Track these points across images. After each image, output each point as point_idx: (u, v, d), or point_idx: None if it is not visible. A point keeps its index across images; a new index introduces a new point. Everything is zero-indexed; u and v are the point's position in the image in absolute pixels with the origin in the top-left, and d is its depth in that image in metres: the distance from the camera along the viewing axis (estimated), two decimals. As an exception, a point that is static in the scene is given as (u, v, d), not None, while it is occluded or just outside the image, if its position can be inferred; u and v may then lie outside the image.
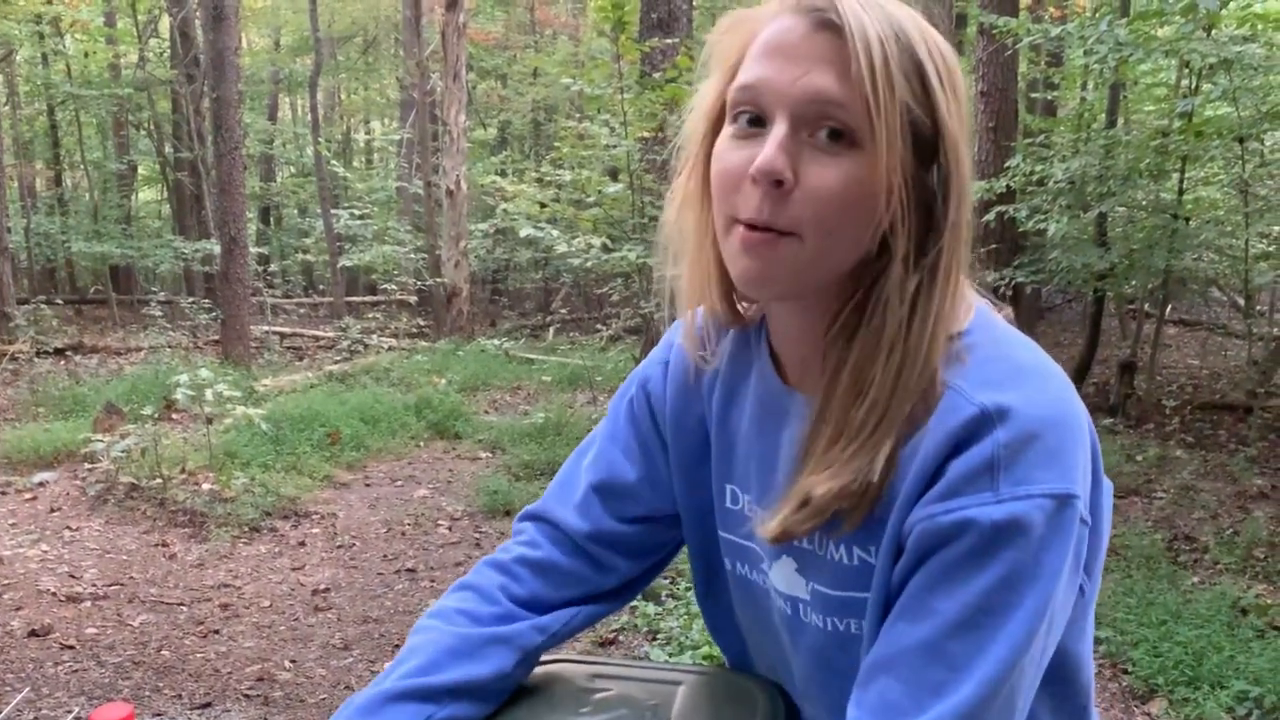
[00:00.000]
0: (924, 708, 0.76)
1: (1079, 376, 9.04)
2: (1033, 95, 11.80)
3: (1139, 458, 6.47)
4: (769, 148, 0.78)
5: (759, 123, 0.80)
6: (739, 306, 0.96)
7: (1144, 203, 7.96)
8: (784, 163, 0.77)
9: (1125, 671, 3.59)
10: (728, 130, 0.83)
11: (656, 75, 7.22)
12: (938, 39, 0.82)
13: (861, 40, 0.76)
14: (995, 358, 0.82)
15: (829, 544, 0.87)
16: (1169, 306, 9.66)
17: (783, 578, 0.93)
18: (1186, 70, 7.20)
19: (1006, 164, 8.01)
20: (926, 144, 0.80)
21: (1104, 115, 9.00)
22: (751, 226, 0.80)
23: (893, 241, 0.80)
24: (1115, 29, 5.95)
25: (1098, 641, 3.81)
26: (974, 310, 0.86)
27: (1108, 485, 0.88)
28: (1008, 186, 7.78)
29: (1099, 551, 0.87)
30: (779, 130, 0.78)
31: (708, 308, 0.96)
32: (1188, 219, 7.54)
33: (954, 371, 0.81)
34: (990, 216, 8.04)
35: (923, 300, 0.80)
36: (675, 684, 1.01)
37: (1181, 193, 7.32)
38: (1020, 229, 8.34)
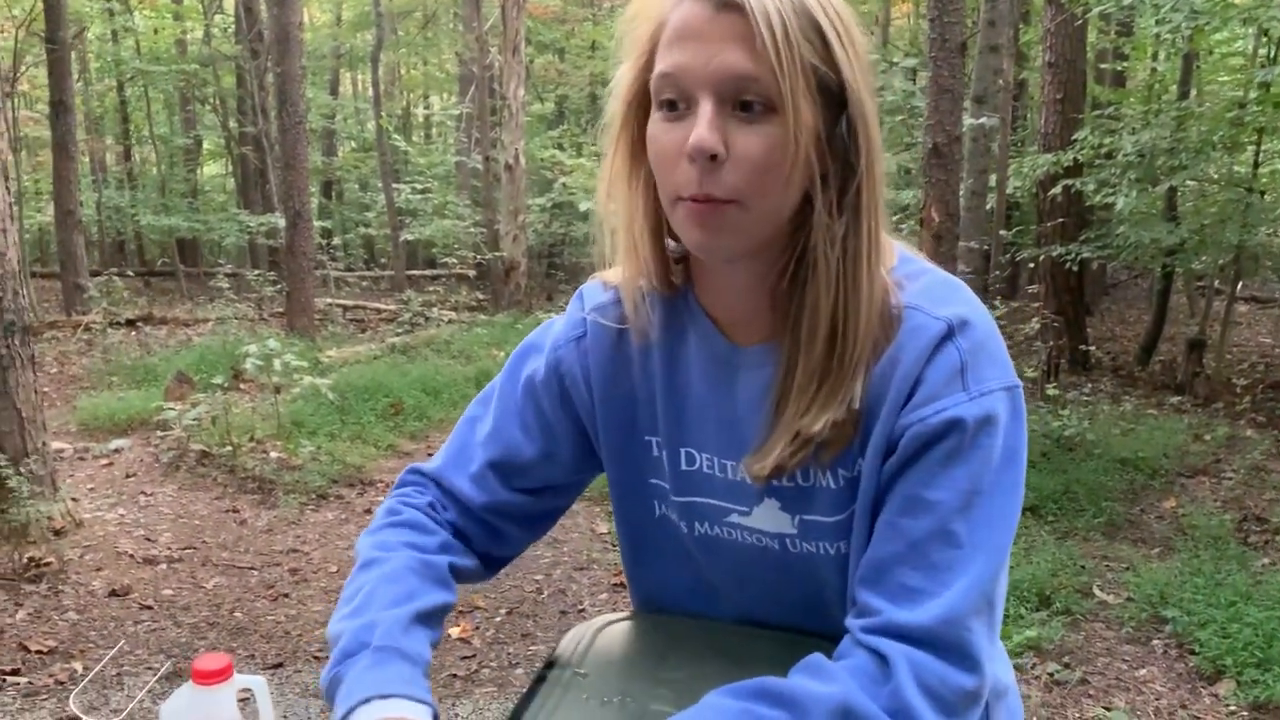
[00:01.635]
0: (945, 584, 0.86)
1: (1145, 354, 8.88)
2: (1101, 66, 11.53)
3: (1207, 437, 6.34)
4: (700, 127, 0.84)
5: (685, 104, 0.87)
6: (673, 278, 1.01)
7: (1216, 176, 7.77)
8: (715, 139, 0.84)
9: (1192, 652, 3.55)
10: (656, 115, 0.89)
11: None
12: None
13: (762, 16, 0.83)
14: (932, 282, 0.94)
15: (815, 474, 0.95)
16: (1240, 283, 9.42)
17: (768, 518, 1.00)
18: (1265, 38, 7.00)
19: (1074, 136, 7.85)
20: (834, 99, 0.88)
21: (1176, 86, 8.78)
22: (697, 201, 0.86)
23: (815, 191, 0.88)
24: (1191, -3, 5.80)
25: (1164, 621, 3.77)
26: (895, 248, 0.96)
27: (1024, 417, 0.96)
28: (1075, 160, 7.64)
29: None
30: (705, 109, 0.85)
31: (642, 279, 1.01)
32: (1263, 193, 7.35)
33: (908, 295, 0.91)
34: (1057, 190, 7.91)
35: (851, 240, 0.89)
36: (754, 641, 1.04)
37: (1257, 166, 7.13)
38: (1087, 203, 8.18)
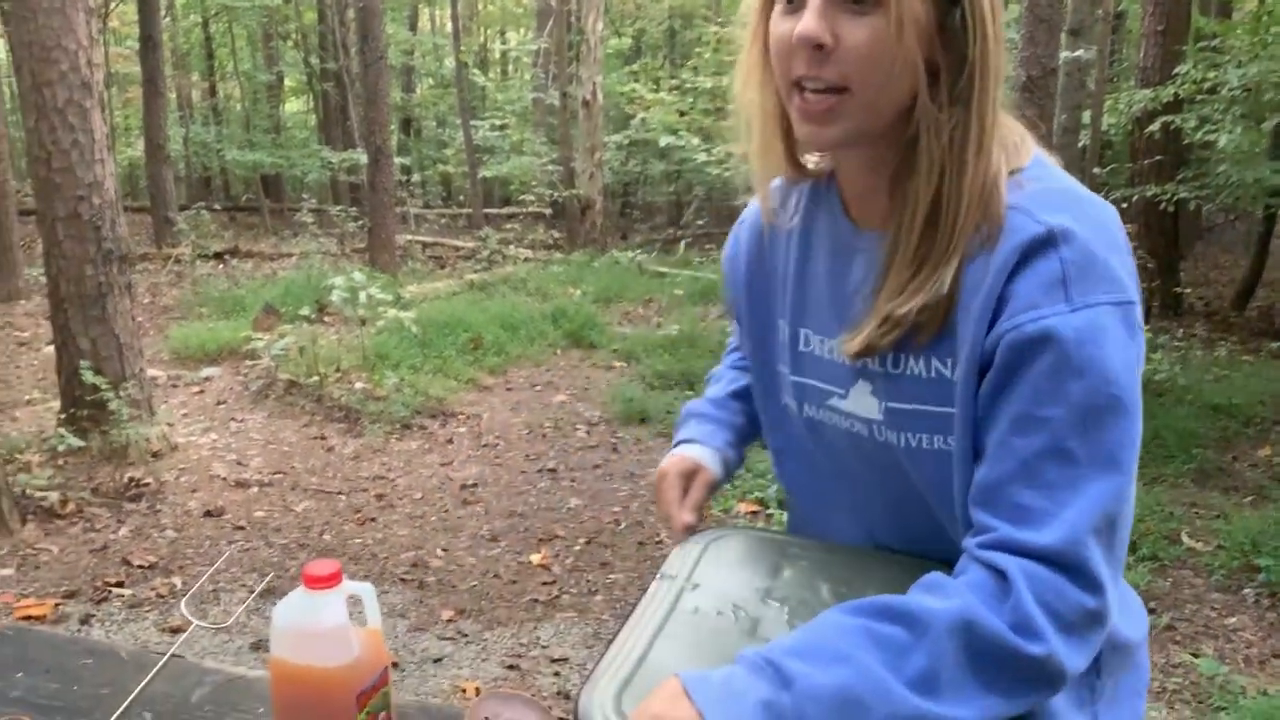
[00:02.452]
0: (1063, 503, 0.84)
1: (1242, 299, 8.57)
2: (1206, -3, 11.00)
3: (1307, 385, 6.12)
4: (806, 17, 0.89)
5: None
6: (805, 162, 1.07)
7: (1329, 113, 7.39)
8: (821, 27, 0.88)
9: (1286, 600, 3.47)
10: (777, 7, 0.94)
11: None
12: None
13: None
14: (1054, 188, 0.91)
15: (907, 360, 0.96)
16: (1348, 227, 8.99)
17: (859, 402, 1.02)
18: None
19: (1175, 70, 7.53)
20: None
21: (1287, 17, 8.32)
22: (805, 88, 0.91)
23: (920, 83, 0.90)
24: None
25: (1256, 570, 3.69)
26: (1033, 152, 0.96)
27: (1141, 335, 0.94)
28: (1175, 95, 7.33)
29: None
30: (814, 1, 0.89)
31: (777, 167, 1.06)
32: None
33: (1017, 197, 0.90)
34: (1154, 127, 7.61)
35: (960, 132, 0.91)
36: (866, 560, 1.03)
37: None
38: (1186, 141, 7.86)
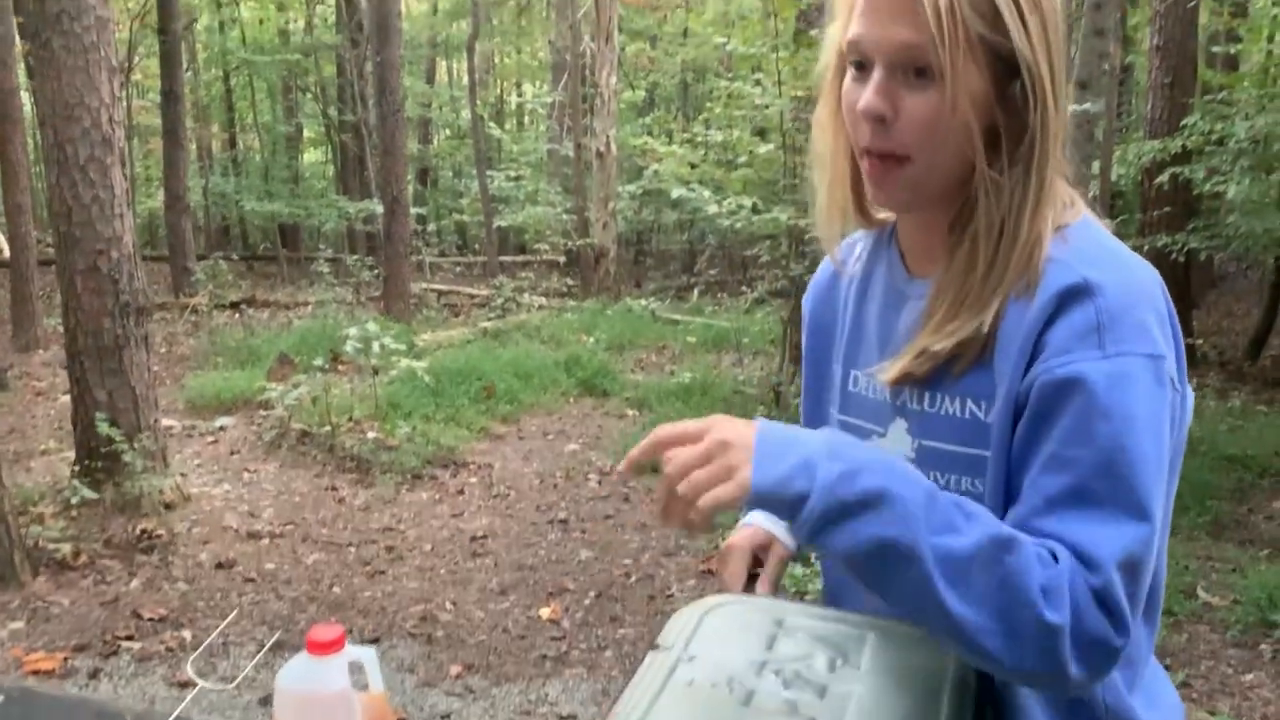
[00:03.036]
0: (1089, 540, 0.86)
1: (1255, 349, 8.54)
2: (1213, 49, 11.07)
3: (1322, 436, 6.08)
4: (868, 92, 0.94)
5: (867, 68, 0.96)
6: (871, 212, 1.12)
7: (1337, 164, 7.41)
8: (881, 102, 0.94)
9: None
10: (848, 74, 0.99)
11: (813, 32, 7.08)
12: None
13: None
14: (1095, 245, 0.96)
15: (942, 400, 1.00)
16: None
17: (896, 439, 1.06)
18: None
19: (1183, 122, 7.57)
20: (1008, 64, 0.93)
21: (1294, 69, 8.39)
22: (873, 155, 0.97)
23: (977, 151, 0.95)
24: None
25: (1272, 626, 3.65)
26: (1083, 213, 1.00)
27: (1189, 392, 0.98)
28: (1183, 146, 7.37)
29: (1179, 443, 0.97)
30: (877, 75, 0.94)
31: (847, 216, 1.12)
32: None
33: (1058, 250, 0.94)
34: (1164, 178, 7.64)
35: (1018, 194, 0.95)
36: (864, 631, 1.03)
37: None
38: (1195, 191, 7.89)
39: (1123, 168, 8.66)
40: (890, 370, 1.02)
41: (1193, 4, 8.19)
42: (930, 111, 0.93)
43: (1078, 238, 0.96)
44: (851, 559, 0.86)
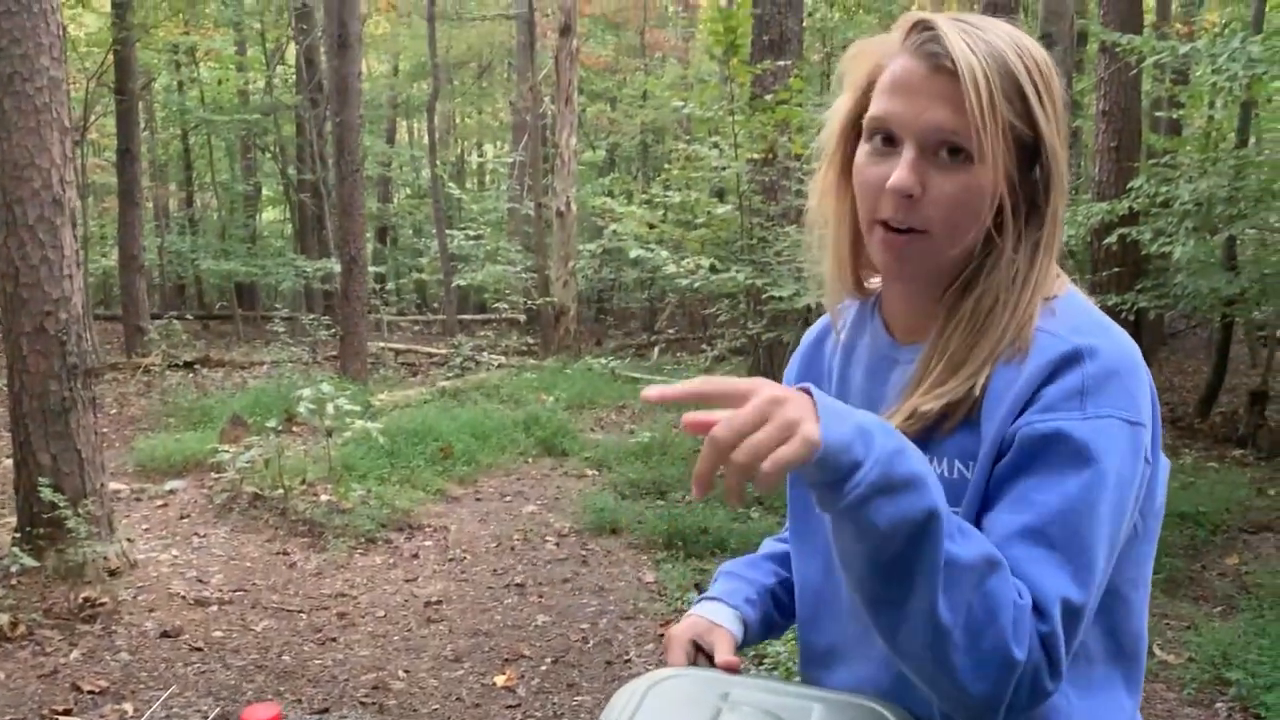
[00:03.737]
0: (1027, 575, 0.90)
1: (1205, 406, 8.68)
2: (1156, 114, 11.41)
3: (1271, 491, 6.17)
4: (901, 170, 0.97)
5: (892, 145, 1.00)
6: (863, 281, 1.15)
7: (1278, 225, 7.62)
8: (913, 180, 0.97)
9: (1258, 717, 3.43)
10: (865, 146, 1.02)
11: (768, 97, 7.21)
12: (1032, 52, 0.99)
13: (971, 80, 0.94)
14: (1082, 315, 1.00)
15: (931, 459, 0.99)
16: (1304, 333, 9.18)
17: None
18: (1324, 88, 6.87)
19: (1129, 185, 7.76)
20: (1029, 150, 1.00)
21: (1234, 134, 8.64)
22: (889, 227, 1.00)
23: (999, 228, 1.00)
24: (1248, 46, 5.73)
25: (1227, 683, 3.65)
26: (1067, 285, 1.04)
27: (1165, 462, 1.03)
28: (1130, 209, 7.54)
29: (1155, 510, 1.03)
30: (908, 154, 0.97)
31: (841, 282, 1.14)
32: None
33: (1048, 322, 0.98)
34: (1112, 239, 7.80)
35: (1022, 270, 1.00)
36: (809, 703, 1.01)
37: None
38: (1144, 252, 8.06)
39: (1072, 228, 8.84)
40: None
41: (1135, 71, 8.44)
42: (959, 191, 0.97)
43: (1065, 309, 1.00)
44: (886, 533, 0.85)
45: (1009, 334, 0.98)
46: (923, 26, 0.99)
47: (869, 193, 1.01)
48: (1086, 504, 0.90)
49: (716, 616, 1.21)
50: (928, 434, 1.01)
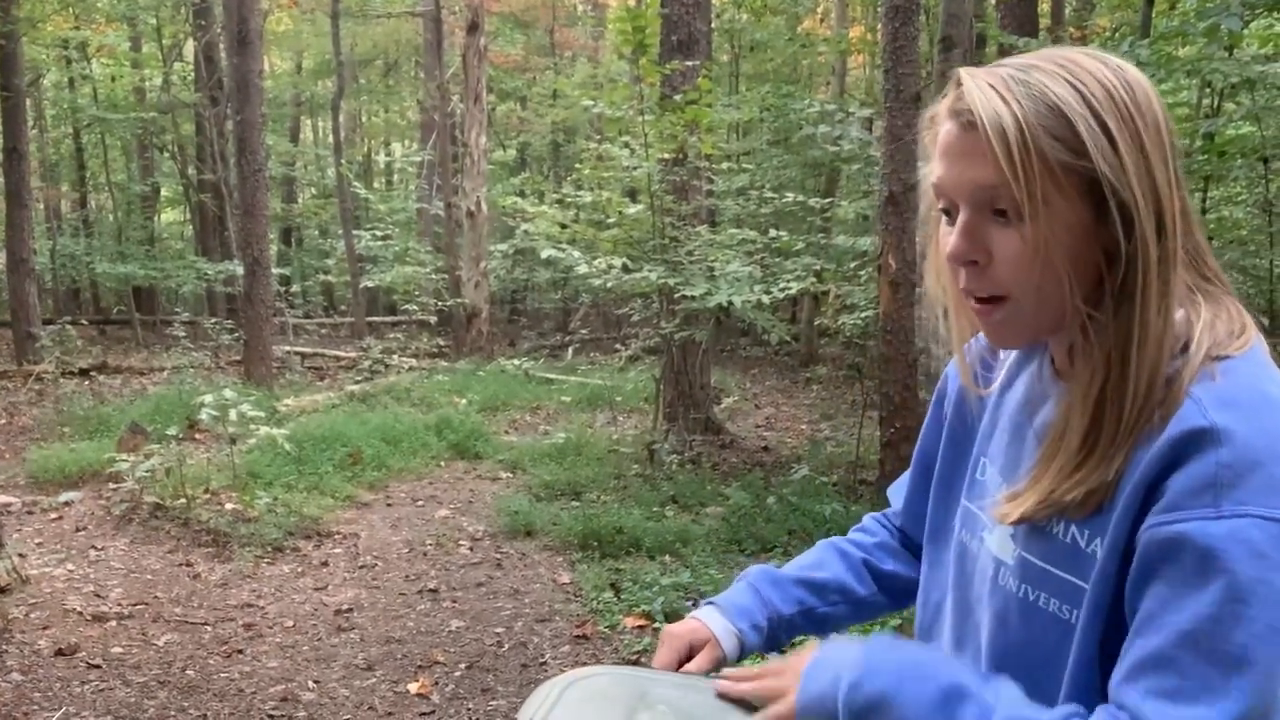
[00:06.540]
0: (1156, 712, 0.80)
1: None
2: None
3: None
4: (953, 237, 0.93)
5: (952, 212, 0.94)
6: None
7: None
8: (967, 246, 0.91)
9: None
10: (941, 218, 0.97)
11: (677, 97, 7.24)
12: (1100, 81, 0.88)
13: (994, 130, 0.87)
14: (1247, 385, 0.86)
15: (1052, 519, 0.94)
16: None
17: (998, 540, 1.02)
18: (1208, 90, 7.18)
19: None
20: (1099, 188, 0.87)
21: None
22: (975, 298, 0.95)
23: (1072, 287, 0.90)
24: (1136, 49, 5.94)
25: None
26: (1252, 342, 0.90)
27: None
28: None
29: None
30: (962, 218, 0.92)
31: (974, 352, 1.14)
32: (1211, 239, 7.50)
33: (1202, 386, 0.85)
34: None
35: (1122, 330, 0.88)
36: (730, 705, 1.02)
37: (1205, 213, 7.28)
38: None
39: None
40: (1007, 512, 0.96)
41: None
42: (1018, 250, 0.88)
43: (1234, 372, 0.86)
44: None
45: (1134, 406, 0.87)
46: (956, 82, 0.93)
47: (947, 266, 0.97)
48: (1217, 620, 0.78)
49: (719, 634, 1.19)
50: (1063, 511, 0.93)
